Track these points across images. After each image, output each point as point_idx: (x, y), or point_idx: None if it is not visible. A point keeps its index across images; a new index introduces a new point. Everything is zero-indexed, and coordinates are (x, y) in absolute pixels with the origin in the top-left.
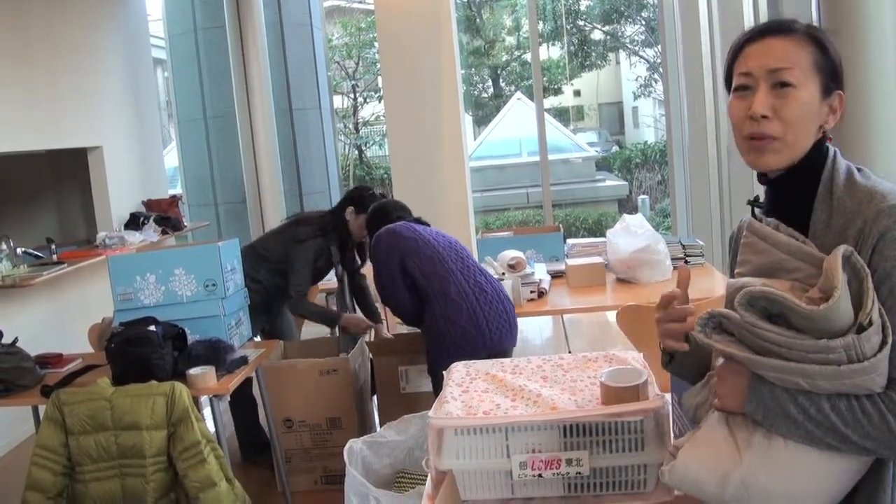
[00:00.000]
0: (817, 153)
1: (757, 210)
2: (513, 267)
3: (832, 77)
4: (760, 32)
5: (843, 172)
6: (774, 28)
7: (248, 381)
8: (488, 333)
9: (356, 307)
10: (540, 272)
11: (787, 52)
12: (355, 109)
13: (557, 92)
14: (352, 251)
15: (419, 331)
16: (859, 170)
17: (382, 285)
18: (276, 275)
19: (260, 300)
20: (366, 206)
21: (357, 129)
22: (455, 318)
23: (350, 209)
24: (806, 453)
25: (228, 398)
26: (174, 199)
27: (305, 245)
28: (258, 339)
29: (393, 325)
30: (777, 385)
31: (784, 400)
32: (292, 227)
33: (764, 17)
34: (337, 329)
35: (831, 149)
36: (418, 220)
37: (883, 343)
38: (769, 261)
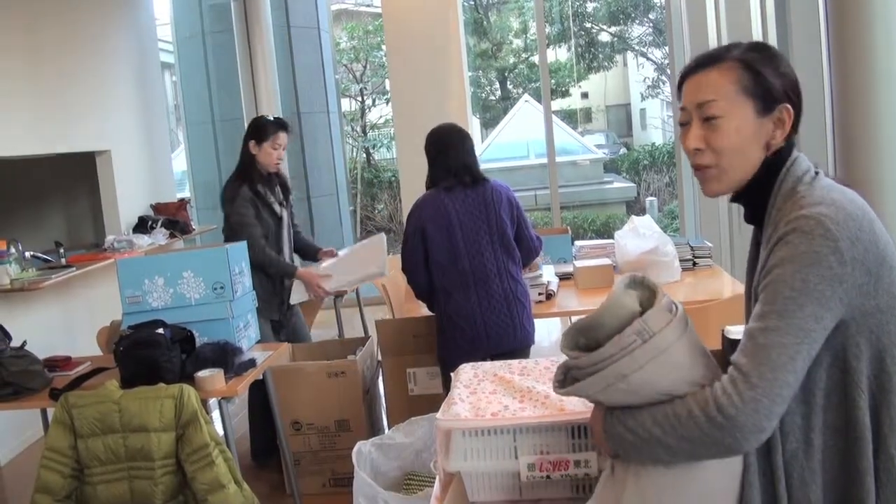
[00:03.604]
0: (770, 168)
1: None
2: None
3: (767, 97)
4: (694, 67)
5: (789, 183)
6: (706, 61)
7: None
8: (486, 338)
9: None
10: (548, 274)
11: (711, 86)
12: (363, 112)
13: (565, 94)
14: (276, 186)
15: (424, 332)
16: (817, 174)
17: (405, 257)
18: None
19: (265, 282)
20: (262, 133)
21: (365, 132)
22: (455, 318)
23: (251, 143)
24: (667, 477)
25: (247, 399)
26: (182, 203)
27: (237, 200)
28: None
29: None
30: (615, 415)
31: (619, 428)
32: (222, 195)
33: (771, 17)
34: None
35: (790, 159)
36: (473, 177)
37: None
38: None
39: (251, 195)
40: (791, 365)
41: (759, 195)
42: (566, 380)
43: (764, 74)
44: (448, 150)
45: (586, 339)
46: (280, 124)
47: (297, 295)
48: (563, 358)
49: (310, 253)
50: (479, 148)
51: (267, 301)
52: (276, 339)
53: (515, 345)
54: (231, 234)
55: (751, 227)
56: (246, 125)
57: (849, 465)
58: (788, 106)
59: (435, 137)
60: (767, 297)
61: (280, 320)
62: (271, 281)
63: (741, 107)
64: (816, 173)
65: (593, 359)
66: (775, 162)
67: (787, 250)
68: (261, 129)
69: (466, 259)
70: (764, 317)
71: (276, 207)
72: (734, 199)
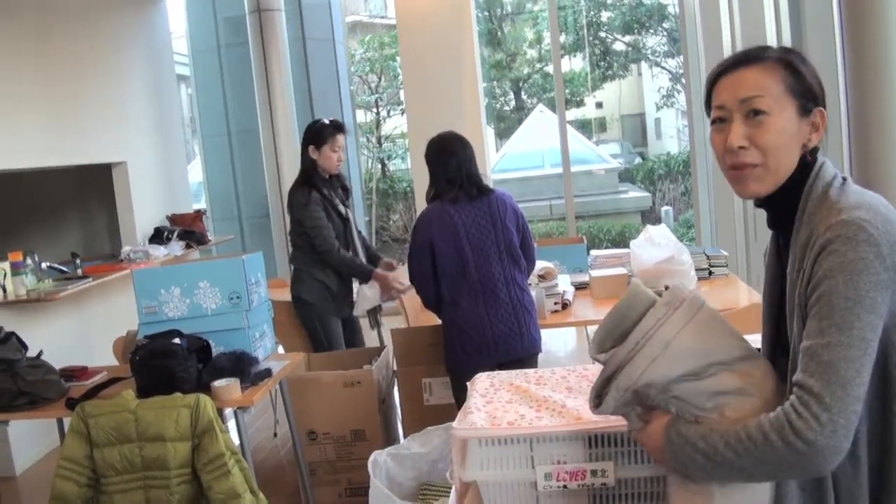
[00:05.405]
0: (802, 171)
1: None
2: (542, 277)
3: (808, 97)
4: (732, 64)
5: (819, 188)
6: (745, 58)
7: None
8: (493, 346)
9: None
10: (564, 284)
11: (758, 81)
12: (378, 123)
13: (580, 104)
14: (338, 188)
15: (439, 341)
16: (844, 180)
17: (413, 269)
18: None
19: (337, 282)
20: (321, 137)
21: (380, 143)
22: (463, 326)
23: (311, 147)
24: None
25: (262, 408)
26: (198, 214)
27: (311, 205)
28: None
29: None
30: (679, 434)
31: (686, 448)
32: (291, 201)
33: (786, 26)
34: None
35: (817, 163)
36: (479, 189)
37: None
38: None
39: (321, 198)
40: (859, 378)
41: (788, 199)
42: (602, 394)
43: (804, 75)
44: (448, 158)
45: (613, 341)
46: (337, 126)
47: (364, 305)
48: (578, 366)
49: (371, 262)
50: (494, 158)
51: (340, 300)
52: (345, 337)
53: (523, 353)
54: (305, 237)
55: (767, 235)
56: (262, 136)
57: (886, 475)
58: (823, 110)
59: (435, 145)
60: (822, 311)
61: (349, 319)
62: (344, 280)
63: (786, 105)
64: (844, 179)
65: (634, 338)
66: (805, 166)
67: (834, 259)
68: (319, 134)
69: (474, 269)
70: (823, 332)
71: (342, 208)
72: (759, 204)
